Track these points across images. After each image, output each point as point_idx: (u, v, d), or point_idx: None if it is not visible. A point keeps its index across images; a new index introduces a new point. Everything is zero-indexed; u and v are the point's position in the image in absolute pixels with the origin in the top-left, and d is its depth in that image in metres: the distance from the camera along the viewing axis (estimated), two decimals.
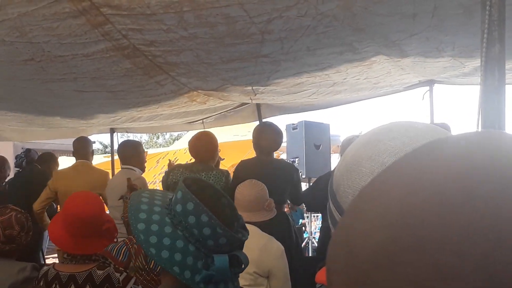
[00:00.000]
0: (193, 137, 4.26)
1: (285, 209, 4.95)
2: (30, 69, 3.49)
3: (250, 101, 5.35)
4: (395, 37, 3.03)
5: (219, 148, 4.32)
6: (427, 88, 4.89)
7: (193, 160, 4.26)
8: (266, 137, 4.31)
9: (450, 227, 0.29)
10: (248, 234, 1.45)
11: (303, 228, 8.88)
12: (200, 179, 1.50)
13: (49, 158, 6.00)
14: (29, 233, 2.68)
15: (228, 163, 8.36)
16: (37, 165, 5.78)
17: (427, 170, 0.33)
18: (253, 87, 4.26)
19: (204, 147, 4.10)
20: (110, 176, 5.31)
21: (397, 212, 0.32)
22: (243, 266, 1.40)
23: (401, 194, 0.33)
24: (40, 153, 6.27)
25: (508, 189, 0.29)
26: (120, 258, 3.07)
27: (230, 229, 1.35)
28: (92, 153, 5.18)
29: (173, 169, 4.17)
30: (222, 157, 4.72)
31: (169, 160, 4.48)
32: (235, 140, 8.39)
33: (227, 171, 4.11)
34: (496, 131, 0.37)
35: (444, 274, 0.28)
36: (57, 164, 5.96)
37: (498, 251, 0.27)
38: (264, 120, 5.93)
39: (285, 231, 3.92)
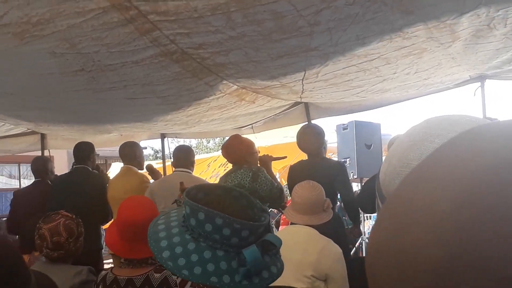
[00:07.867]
0: (224, 143, 4.45)
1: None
2: (81, 80, 3.53)
3: (299, 99, 5.27)
4: (446, 17, 2.91)
5: (258, 149, 4.41)
6: (479, 84, 4.72)
7: None
8: (306, 139, 4.46)
9: None
10: (269, 216, 1.44)
11: None
12: (203, 185, 1.50)
13: (87, 148, 5.13)
14: (79, 238, 2.66)
15: (279, 165, 8.29)
16: (86, 167, 5.06)
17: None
18: (302, 84, 4.20)
19: (232, 150, 4.23)
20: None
21: (452, 226, 0.29)
22: (277, 246, 1.41)
23: (454, 206, 0.30)
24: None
25: None
26: None
27: (248, 218, 1.36)
28: (140, 157, 5.05)
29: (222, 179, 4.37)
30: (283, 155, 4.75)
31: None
32: (285, 142, 8.34)
33: (257, 167, 4.11)
34: None
35: None
36: (93, 151, 5.17)
37: None
38: (313, 121, 5.84)
39: (339, 232, 3.93)
